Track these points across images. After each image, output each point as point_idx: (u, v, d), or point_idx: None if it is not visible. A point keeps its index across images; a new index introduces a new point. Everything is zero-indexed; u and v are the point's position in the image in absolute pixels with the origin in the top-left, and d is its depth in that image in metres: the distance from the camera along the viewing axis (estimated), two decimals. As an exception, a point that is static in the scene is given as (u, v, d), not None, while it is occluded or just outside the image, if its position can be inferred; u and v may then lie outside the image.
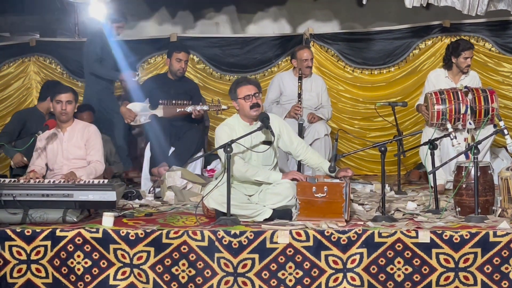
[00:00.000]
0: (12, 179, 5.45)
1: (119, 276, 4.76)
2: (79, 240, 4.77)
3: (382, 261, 4.63)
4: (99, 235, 4.78)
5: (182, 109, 6.99)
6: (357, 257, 4.64)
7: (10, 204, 5.07)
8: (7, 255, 4.80)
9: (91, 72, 7.75)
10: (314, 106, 7.34)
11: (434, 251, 4.60)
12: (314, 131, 7.02)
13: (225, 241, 4.69)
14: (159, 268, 4.74)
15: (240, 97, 5.35)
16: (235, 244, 4.68)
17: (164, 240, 4.73)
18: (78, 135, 5.89)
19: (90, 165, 5.80)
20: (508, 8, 7.36)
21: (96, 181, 5.39)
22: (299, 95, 7.12)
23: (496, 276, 4.58)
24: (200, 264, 4.71)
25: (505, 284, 4.57)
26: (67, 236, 4.78)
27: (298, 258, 4.67)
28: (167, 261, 4.73)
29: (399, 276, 4.63)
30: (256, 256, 4.68)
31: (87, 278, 4.77)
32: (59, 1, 9.71)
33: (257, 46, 9.10)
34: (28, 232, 4.80)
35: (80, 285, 4.77)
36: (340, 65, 8.87)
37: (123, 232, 4.77)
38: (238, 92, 5.36)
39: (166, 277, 4.73)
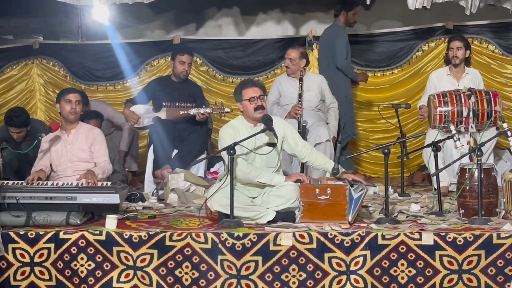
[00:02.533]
0: (16, 181, 5.45)
1: (122, 279, 4.76)
2: (82, 242, 4.78)
3: (385, 263, 4.63)
4: (103, 237, 4.78)
5: (186, 112, 6.98)
6: (361, 259, 4.64)
7: (14, 207, 5.07)
8: (10, 257, 4.81)
9: (338, 67, 7.77)
10: (314, 105, 7.27)
11: (437, 253, 4.59)
12: (316, 135, 6.99)
13: (229, 243, 4.69)
14: (163, 271, 4.74)
15: (245, 99, 5.35)
16: (238, 247, 4.68)
17: (168, 243, 4.73)
18: (82, 137, 5.89)
19: (101, 165, 5.81)
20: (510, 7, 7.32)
21: (99, 184, 5.40)
22: (300, 95, 7.10)
23: (500, 278, 4.57)
24: (203, 267, 4.70)
25: (508, 286, 4.56)
26: (70, 238, 4.79)
27: (302, 260, 4.66)
28: (171, 264, 4.73)
29: (402, 278, 4.62)
30: (260, 258, 4.68)
31: (91, 280, 4.77)
32: (62, 4, 9.72)
33: (260, 49, 9.10)
34: (31, 234, 4.81)
35: (84, 287, 4.77)
36: (343, 67, 8.86)
37: (126, 235, 4.77)
38: (243, 94, 5.37)
39: (170, 279, 4.73)
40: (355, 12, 7.98)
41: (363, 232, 4.66)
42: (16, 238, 4.81)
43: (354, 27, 8.21)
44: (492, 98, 6.49)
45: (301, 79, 7.12)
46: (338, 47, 7.74)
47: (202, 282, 4.71)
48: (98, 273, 4.77)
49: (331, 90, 7.46)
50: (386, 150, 5.22)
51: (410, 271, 4.62)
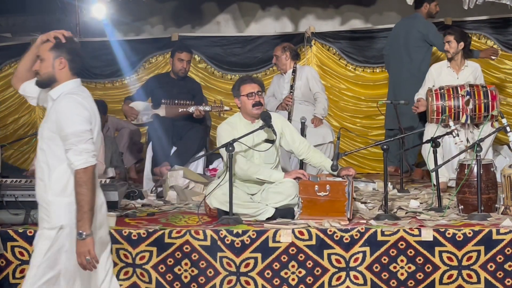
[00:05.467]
0: (14, 180, 5.44)
1: (121, 276, 4.76)
2: (81, 240, 4.76)
3: (385, 259, 4.62)
4: (102, 235, 4.77)
5: (185, 109, 6.98)
6: (360, 255, 4.63)
7: (12, 205, 5.06)
8: (9, 255, 4.80)
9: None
10: (301, 95, 7.30)
11: (437, 249, 4.59)
12: (319, 135, 7.01)
13: (228, 240, 4.68)
14: (162, 268, 4.73)
15: (243, 95, 5.34)
16: (237, 243, 4.67)
17: (167, 240, 4.72)
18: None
19: None
20: (510, 2, 7.28)
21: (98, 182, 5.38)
22: (291, 87, 7.16)
23: (500, 274, 4.57)
24: (202, 264, 4.70)
25: (508, 281, 4.56)
26: (69, 236, 4.78)
27: (301, 257, 4.66)
28: (170, 261, 4.72)
29: (402, 274, 4.62)
30: (259, 255, 4.67)
31: (90, 278, 4.77)
32: (60, 1, 9.71)
33: (259, 45, 9.09)
34: (30, 232, 4.79)
35: (83, 285, 4.76)
36: (342, 63, 8.85)
37: (125, 232, 4.76)
38: (241, 90, 5.35)
39: (169, 276, 4.73)
40: (437, 3, 7.75)
41: (362, 229, 4.66)
42: (15, 236, 4.81)
43: (435, 17, 8.02)
44: (490, 102, 6.46)
45: (294, 71, 7.19)
46: (433, 35, 7.50)
47: (202, 279, 4.70)
48: (97, 271, 4.77)
49: (402, 82, 7.49)
50: (385, 146, 5.21)
51: (409, 267, 4.61)
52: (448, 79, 6.80)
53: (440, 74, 6.92)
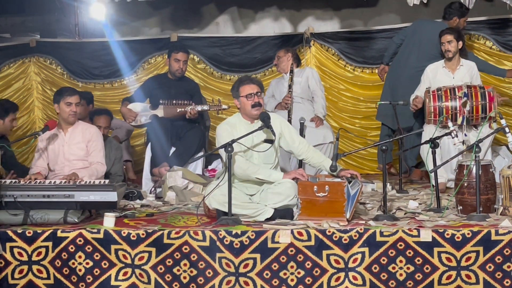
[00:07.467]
0: (13, 180, 5.44)
1: (120, 277, 4.76)
2: (80, 240, 4.77)
3: (383, 260, 4.62)
4: (100, 235, 4.77)
5: (183, 109, 6.98)
6: (359, 256, 4.63)
7: (11, 205, 5.06)
8: (8, 256, 4.80)
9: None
10: (300, 90, 7.36)
11: (436, 249, 4.59)
12: (319, 135, 7.02)
13: (227, 241, 4.68)
14: (161, 269, 4.73)
15: (242, 96, 5.34)
16: (236, 244, 4.67)
17: (166, 240, 4.72)
18: (79, 136, 5.89)
19: (92, 167, 5.81)
20: (509, 2, 7.27)
21: (97, 182, 5.40)
22: (290, 86, 7.20)
23: (498, 275, 4.57)
24: (201, 264, 4.70)
25: (507, 282, 4.56)
26: (68, 237, 4.78)
27: (300, 257, 4.66)
28: (169, 261, 4.72)
29: (401, 275, 4.62)
30: (258, 256, 4.67)
31: (89, 278, 4.77)
32: (59, 2, 9.71)
33: (258, 46, 9.10)
34: (29, 233, 4.80)
35: (82, 285, 4.76)
36: (341, 64, 8.86)
37: (124, 233, 4.76)
38: (240, 91, 5.36)
39: (168, 277, 4.73)
40: (466, 19, 7.69)
41: (361, 229, 4.66)
42: (14, 237, 4.80)
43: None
44: (487, 104, 6.47)
45: (291, 71, 7.24)
46: (464, 49, 7.31)
47: (201, 280, 4.70)
48: (96, 271, 4.77)
49: (403, 79, 7.52)
50: (384, 147, 5.22)
51: (408, 268, 4.61)
52: (444, 79, 6.82)
53: (436, 75, 6.93)
